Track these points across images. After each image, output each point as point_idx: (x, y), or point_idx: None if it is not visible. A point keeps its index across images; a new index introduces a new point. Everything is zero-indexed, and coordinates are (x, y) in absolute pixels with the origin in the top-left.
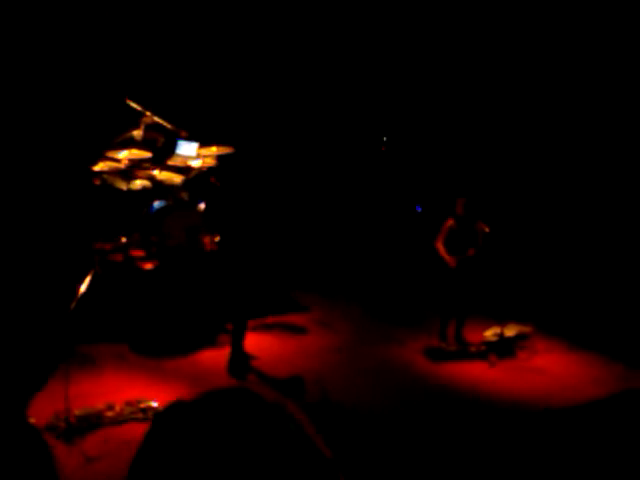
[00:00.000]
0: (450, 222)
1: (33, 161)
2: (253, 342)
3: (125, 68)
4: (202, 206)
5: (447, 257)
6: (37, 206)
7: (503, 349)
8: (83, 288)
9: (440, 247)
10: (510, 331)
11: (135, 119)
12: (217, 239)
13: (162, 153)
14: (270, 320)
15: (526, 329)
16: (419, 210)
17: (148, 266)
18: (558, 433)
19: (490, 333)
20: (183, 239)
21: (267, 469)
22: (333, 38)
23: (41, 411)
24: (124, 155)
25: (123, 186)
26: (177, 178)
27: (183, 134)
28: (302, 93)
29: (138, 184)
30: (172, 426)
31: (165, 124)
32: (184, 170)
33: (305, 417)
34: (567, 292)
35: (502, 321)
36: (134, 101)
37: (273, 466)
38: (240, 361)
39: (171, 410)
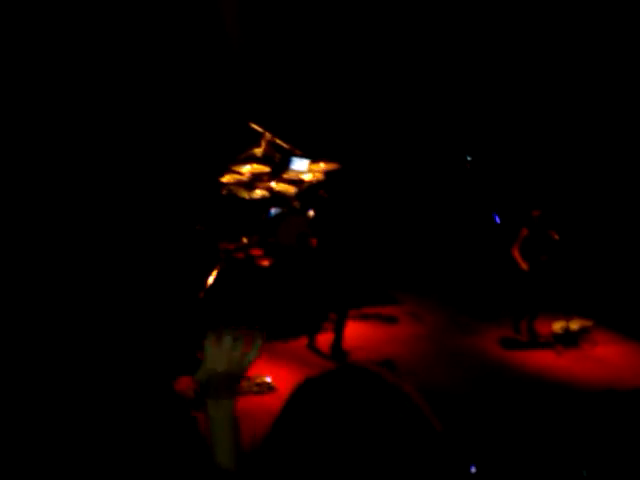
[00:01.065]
0: (525, 232)
1: (174, 174)
2: (351, 329)
3: (250, 95)
4: (311, 213)
5: (522, 262)
6: (174, 213)
7: (568, 340)
8: (210, 280)
9: (516, 253)
10: (574, 325)
11: (257, 139)
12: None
13: (279, 168)
14: (367, 311)
15: (588, 323)
16: (497, 220)
17: (265, 263)
18: (622, 411)
19: (558, 326)
20: (294, 240)
21: (388, 441)
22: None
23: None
24: (247, 169)
25: (245, 195)
26: (291, 189)
27: (297, 152)
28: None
29: (258, 194)
30: (305, 400)
31: (282, 143)
32: (297, 183)
33: (420, 395)
34: (626, 290)
35: (568, 316)
36: (256, 123)
37: (394, 438)
38: (340, 345)
39: (304, 385)
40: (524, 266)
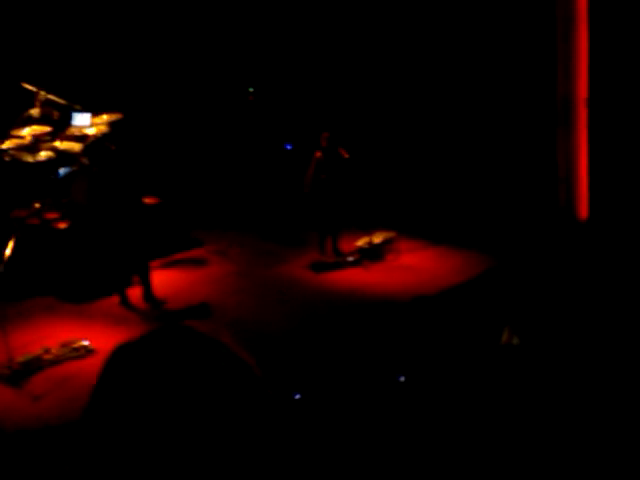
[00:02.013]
0: (317, 154)
1: None
2: (162, 277)
3: (17, 52)
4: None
5: (306, 185)
6: None
7: (374, 254)
8: (8, 252)
9: (307, 176)
10: (378, 238)
11: (31, 99)
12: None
13: (60, 126)
14: (175, 257)
15: (391, 234)
16: (289, 148)
17: (62, 225)
18: (428, 316)
19: (361, 242)
20: (89, 198)
21: (210, 393)
22: None
23: None
24: (27, 132)
25: (30, 159)
26: (76, 146)
27: (76, 107)
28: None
29: (43, 156)
30: (121, 366)
31: (59, 100)
32: (81, 138)
33: (237, 343)
34: (421, 200)
35: (370, 231)
36: (28, 83)
37: (215, 390)
38: (151, 295)
39: (119, 351)
40: (306, 189)
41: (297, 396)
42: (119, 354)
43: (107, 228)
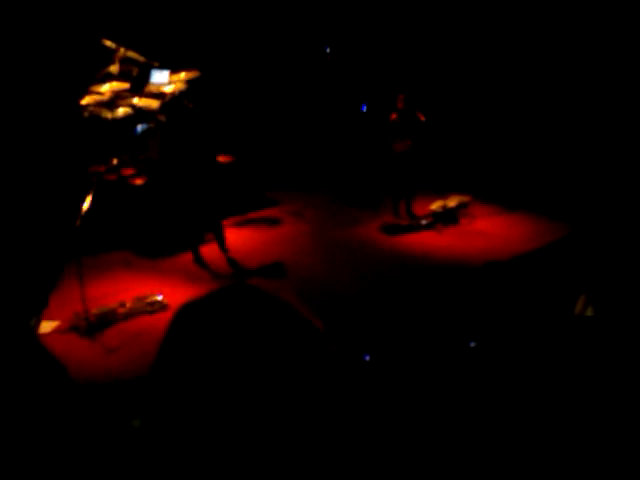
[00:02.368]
0: (394, 116)
1: (27, 101)
2: (236, 236)
3: (97, 10)
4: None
5: (394, 145)
6: (36, 140)
7: (447, 218)
8: (85, 206)
9: (388, 137)
10: (452, 202)
11: (111, 55)
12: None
13: (138, 83)
14: (250, 216)
15: (465, 199)
16: (364, 109)
17: (139, 182)
18: (503, 280)
19: (435, 206)
20: (166, 155)
21: (273, 349)
22: None
23: (63, 315)
24: (106, 88)
25: (108, 115)
26: (154, 103)
27: (155, 64)
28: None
29: (121, 112)
30: (186, 324)
31: (138, 57)
32: (159, 95)
33: (300, 302)
34: (497, 164)
35: (444, 194)
36: (108, 39)
37: (277, 346)
38: (226, 250)
39: (185, 310)
40: (397, 148)
41: (367, 357)
42: (185, 312)
43: (181, 185)
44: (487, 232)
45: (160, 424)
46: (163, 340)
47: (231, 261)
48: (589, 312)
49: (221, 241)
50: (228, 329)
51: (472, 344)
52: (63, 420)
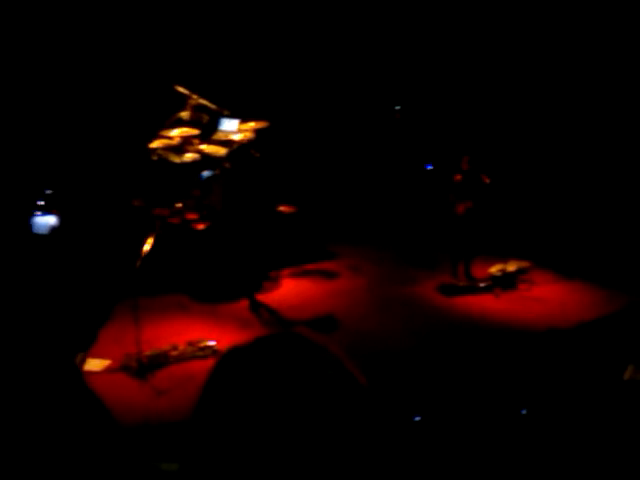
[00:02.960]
0: (457, 177)
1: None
2: (292, 286)
3: (171, 55)
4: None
5: (457, 206)
6: (105, 182)
7: (506, 283)
8: (147, 248)
9: (451, 199)
10: (511, 266)
11: (183, 102)
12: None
13: (208, 129)
14: (307, 267)
15: (525, 264)
16: (429, 168)
17: (201, 227)
18: (563, 348)
19: (495, 269)
20: (228, 202)
21: (315, 402)
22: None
23: (116, 354)
24: (176, 133)
25: (176, 160)
26: (221, 150)
27: (225, 112)
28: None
29: (189, 157)
30: (230, 369)
31: (209, 104)
32: (227, 143)
33: (344, 354)
34: (559, 231)
35: (504, 258)
36: (182, 86)
37: (320, 399)
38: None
39: (230, 355)
40: (459, 210)
41: (417, 418)
42: (230, 356)
43: (241, 232)
44: (546, 299)
45: (197, 470)
46: (205, 383)
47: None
48: (639, 377)
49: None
50: (272, 376)
51: (524, 412)
52: (104, 461)
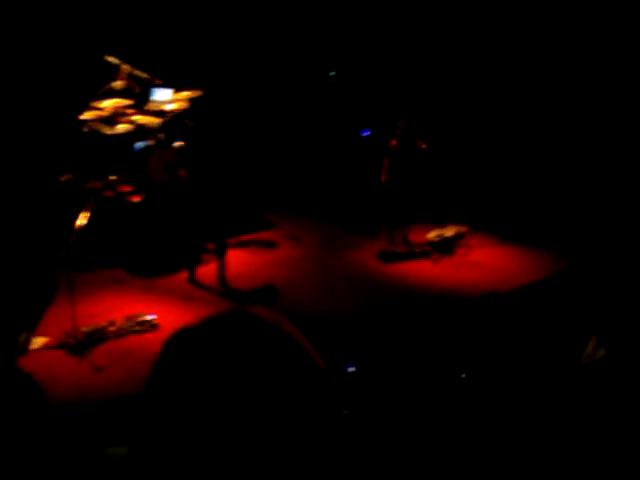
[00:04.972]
0: (393, 142)
1: (26, 112)
2: (230, 257)
3: (101, 26)
4: (178, 144)
5: (383, 174)
6: (33, 152)
7: (444, 248)
8: (81, 222)
9: (384, 165)
10: (449, 232)
11: (114, 72)
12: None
13: (140, 100)
14: (245, 238)
15: (462, 229)
16: (365, 134)
17: (136, 199)
18: (499, 312)
19: (432, 235)
20: (164, 173)
21: (270, 384)
22: None
23: (52, 331)
24: (107, 104)
25: (108, 131)
26: (155, 121)
27: (158, 82)
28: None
29: (121, 128)
30: (180, 351)
31: (141, 74)
32: (161, 113)
33: (300, 332)
34: (496, 194)
35: (442, 224)
36: (111, 55)
37: (275, 380)
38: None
39: (178, 336)
40: (383, 178)
41: (350, 369)
42: (180, 337)
43: (179, 204)
44: (483, 263)
45: (148, 453)
46: (155, 365)
47: (224, 282)
48: (600, 353)
49: (222, 262)
50: (224, 356)
51: (463, 376)
52: (37, 443)
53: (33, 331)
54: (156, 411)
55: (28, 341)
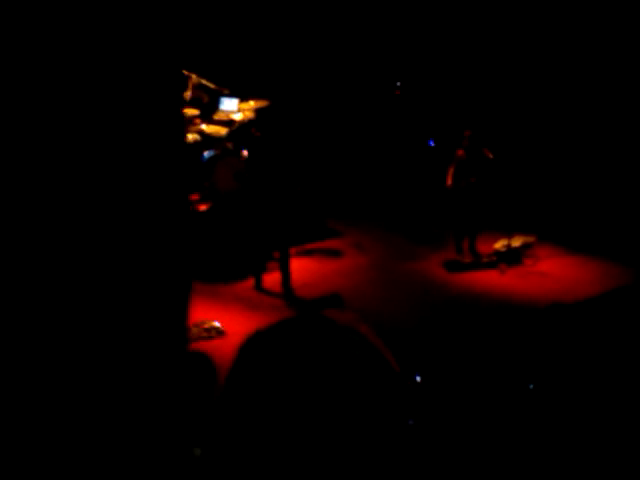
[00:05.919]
0: (460, 153)
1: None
2: (296, 266)
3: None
4: (245, 153)
5: (448, 180)
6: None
7: (511, 258)
8: None
9: (449, 174)
10: (516, 242)
11: (183, 82)
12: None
13: (208, 109)
14: (310, 247)
15: (530, 239)
16: (432, 144)
17: (203, 207)
18: (566, 324)
19: (499, 245)
20: (231, 182)
21: (346, 386)
22: None
23: None
24: None
25: None
26: (222, 130)
27: (225, 92)
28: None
29: (190, 138)
30: (256, 354)
31: (209, 84)
32: (228, 123)
33: (376, 335)
34: (564, 205)
35: (509, 233)
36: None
37: (351, 383)
38: (289, 283)
39: (253, 339)
40: (448, 182)
41: (417, 378)
42: (255, 339)
43: (246, 213)
44: (551, 274)
45: (223, 454)
46: (231, 367)
47: (289, 291)
48: None
49: (285, 271)
50: (299, 360)
51: (531, 386)
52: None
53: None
54: (233, 413)
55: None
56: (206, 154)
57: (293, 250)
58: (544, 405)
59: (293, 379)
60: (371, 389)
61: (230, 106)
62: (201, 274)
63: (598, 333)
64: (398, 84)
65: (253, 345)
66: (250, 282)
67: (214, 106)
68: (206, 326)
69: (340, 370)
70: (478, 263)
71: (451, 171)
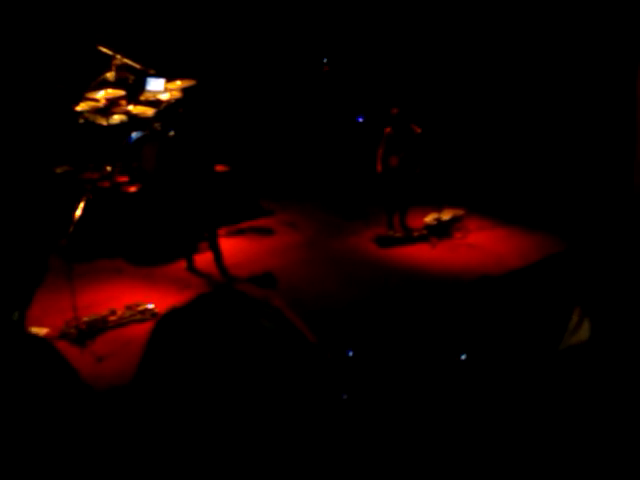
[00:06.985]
0: (388, 130)
1: (22, 106)
2: (229, 245)
3: (94, 17)
4: (171, 134)
5: (378, 164)
6: (30, 144)
7: (441, 231)
8: (78, 213)
9: (379, 154)
10: (446, 215)
11: (108, 62)
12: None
13: (134, 90)
14: (242, 226)
15: (459, 212)
16: (360, 121)
17: (132, 189)
18: (495, 295)
19: (430, 219)
20: (156, 163)
21: (260, 358)
22: None
23: (54, 322)
24: (101, 95)
25: (103, 122)
26: (149, 111)
27: (151, 72)
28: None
29: (116, 119)
30: (170, 330)
31: (134, 64)
32: (155, 103)
33: (289, 308)
34: (491, 178)
35: (439, 207)
36: (104, 46)
37: (265, 355)
38: (222, 263)
39: (168, 316)
40: (378, 168)
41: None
42: (169, 317)
43: (176, 193)
44: (481, 246)
45: (140, 434)
46: (145, 347)
47: (223, 270)
48: (585, 325)
49: (216, 250)
50: (214, 335)
51: (463, 357)
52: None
53: (25, 310)
54: (149, 391)
55: (23, 320)
56: (134, 135)
57: (224, 230)
58: (477, 374)
59: (207, 353)
60: (286, 360)
61: (157, 86)
62: (133, 256)
63: (526, 302)
64: (325, 60)
65: (169, 321)
66: (182, 263)
67: (140, 87)
68: (140, 308)
69: (255, 343)
70: (409, 237)
71: (380, 154)
